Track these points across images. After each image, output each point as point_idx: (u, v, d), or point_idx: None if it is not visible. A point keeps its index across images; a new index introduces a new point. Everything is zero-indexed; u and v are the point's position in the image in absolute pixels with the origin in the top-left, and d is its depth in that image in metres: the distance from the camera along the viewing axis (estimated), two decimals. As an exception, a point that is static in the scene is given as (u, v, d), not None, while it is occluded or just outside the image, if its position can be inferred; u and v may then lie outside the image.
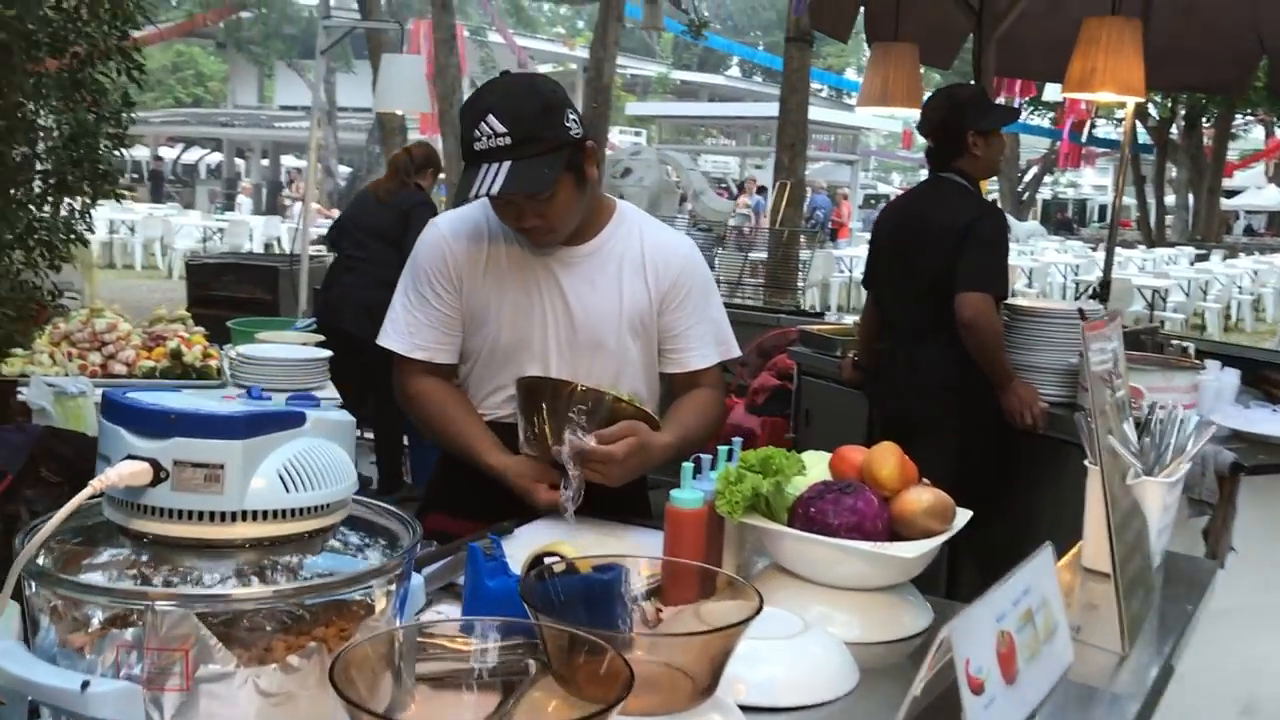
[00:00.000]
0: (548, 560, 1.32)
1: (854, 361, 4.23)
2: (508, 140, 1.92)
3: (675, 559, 1.53)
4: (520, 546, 1.60)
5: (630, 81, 37.50)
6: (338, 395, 3.70)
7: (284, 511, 1.13)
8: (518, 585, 1.22)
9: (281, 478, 1.13)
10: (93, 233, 4.57)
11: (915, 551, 1.58)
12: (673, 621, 1.29)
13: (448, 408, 2.15)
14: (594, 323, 2.10)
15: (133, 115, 4.35)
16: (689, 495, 1.65)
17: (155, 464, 1.09)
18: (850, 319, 7.10)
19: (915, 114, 4.46)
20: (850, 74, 36.62)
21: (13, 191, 4.06)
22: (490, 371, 2.15)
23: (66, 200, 4.25)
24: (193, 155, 36.03)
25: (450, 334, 2.15)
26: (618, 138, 27.71)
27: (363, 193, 6.05)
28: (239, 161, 34.23)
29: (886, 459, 1.69)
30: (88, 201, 4.31)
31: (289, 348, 4.01)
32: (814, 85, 15.77)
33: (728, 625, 1.16)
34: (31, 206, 4.11)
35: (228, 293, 7.39)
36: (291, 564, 1.19)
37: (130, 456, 1.10)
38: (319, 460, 1.17)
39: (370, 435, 5.69)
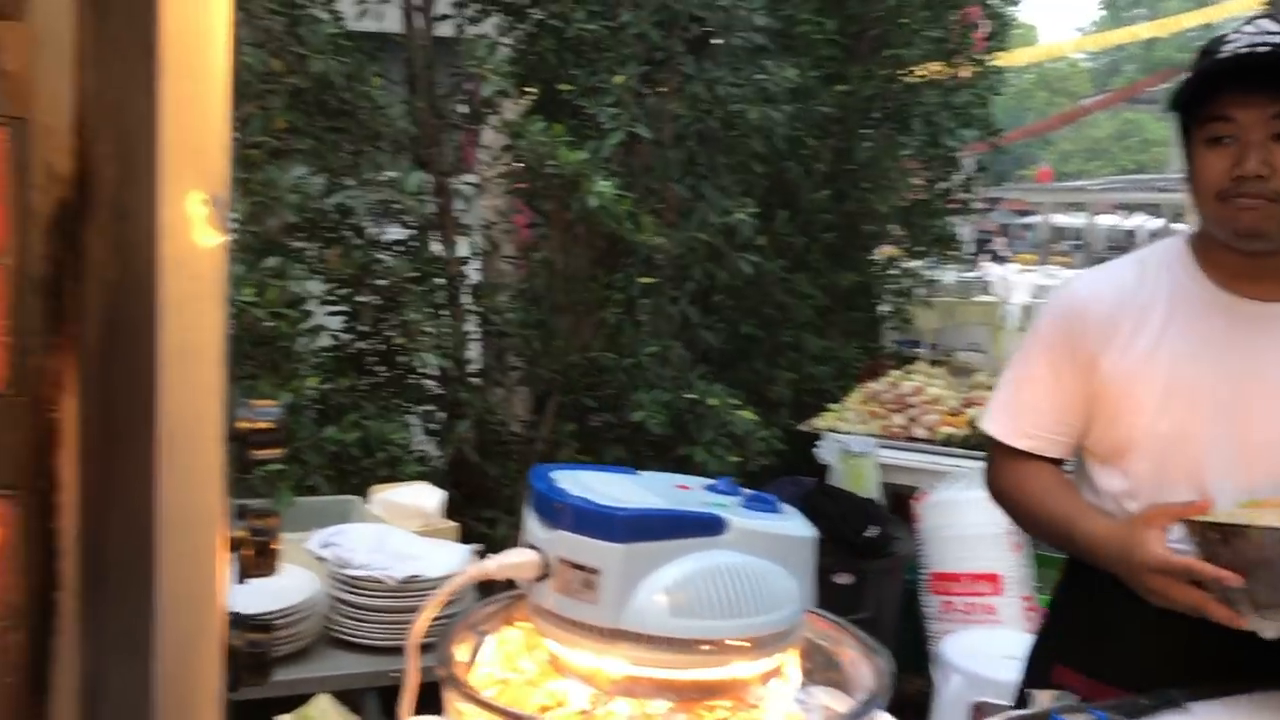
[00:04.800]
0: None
1: None
2: None
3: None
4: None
5: None
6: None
7: (669, 640, 0.91)
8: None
9: (671, 595, 0.91)
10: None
11: None
12: None
13: (1048, 482, 1.64)
14: None
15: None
16: None
17: (545, 558, 0.95)
18: None
19: None
20: None
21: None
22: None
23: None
24: (1132, 221, 35.45)
25: (1067, 423, 1.66)
26: None
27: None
28: (1177, 226, 32.84)
29: None
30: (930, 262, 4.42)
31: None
32: None
33: None
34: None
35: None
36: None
37: (531, 545, 0.97)
38: (734, 581, 0.93)
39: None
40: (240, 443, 1.03)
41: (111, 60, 0.90)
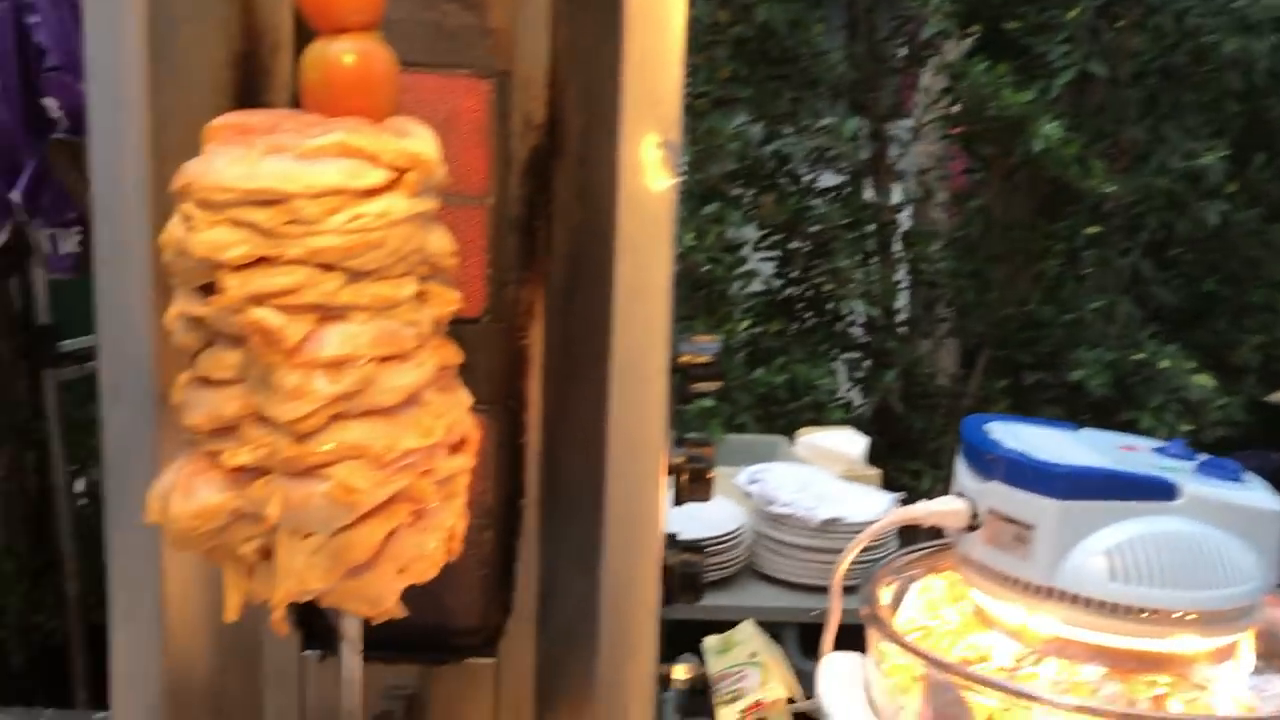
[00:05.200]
0: None
1: None
2: None
3: None
4: None
5: None
6: None
7: (1105, 605, 0.86)
8: None
9: (1111, 558, 0.86)
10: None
11: None
12: None
13: None
14: None
15: None
16: None
17: (974, 508, 0.93)
18: None
19: None
20: None
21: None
22: None
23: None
24: None
25: None
26: None
27: None
28: None
29: None
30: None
31: None
32: None
33: None
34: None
35: None
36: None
37: (960, 494, 0.96)
38: (1183, 549, 0.86)
39: None
40: (681, 375, 1.09)
41: (582, 15, 0.97)
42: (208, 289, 0.78)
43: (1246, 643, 0.96)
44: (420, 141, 0.82)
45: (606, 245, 0.96)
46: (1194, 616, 0.86)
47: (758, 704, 1.06)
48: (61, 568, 2.89)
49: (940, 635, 1.01)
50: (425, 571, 0.86)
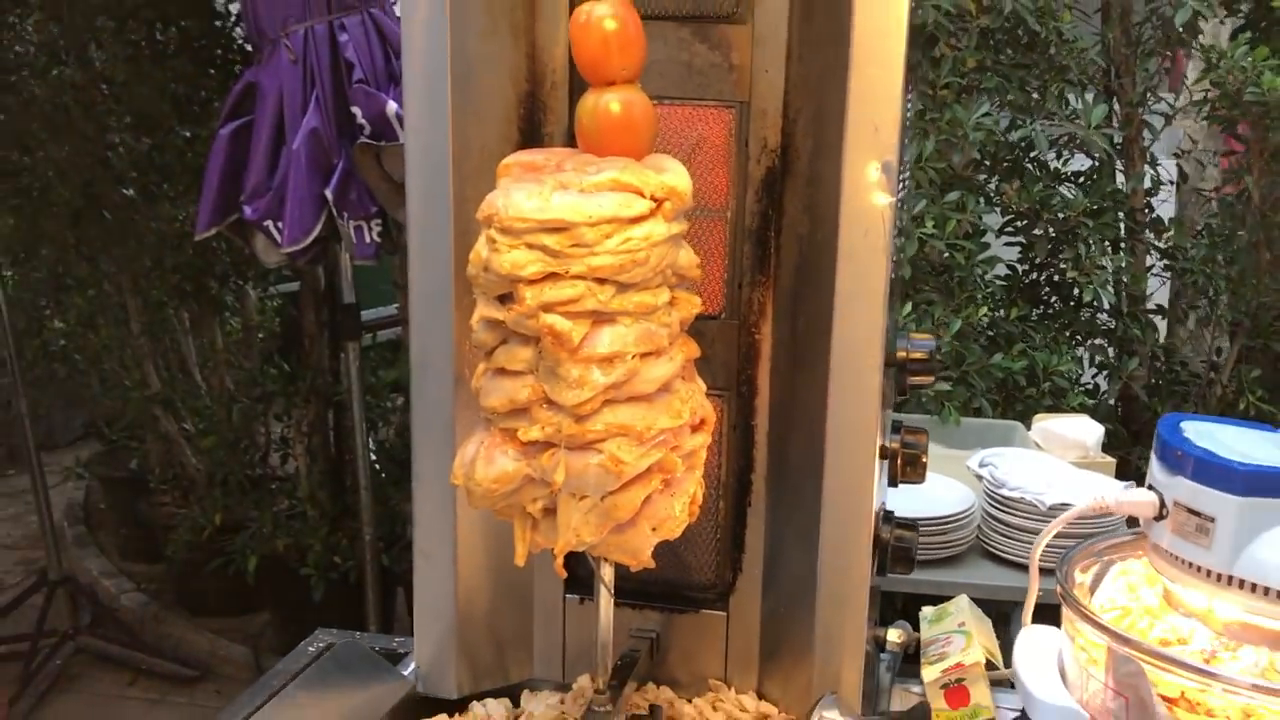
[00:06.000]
0: None
1: None
2: None
3: None
4: None
5: None
6: None
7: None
8: None
9: (1291, 554, 0.92)
10: None
11: None
12: None
13: None
14: None
15: None
16: None
17: (1162, 499, 1.01)
18: None
19: None
20: None
21: None
22: None
23: None
24: None
25: None
26: None
27: None
28: None
29: None
30: None
31: None
32: None
33: None
34: None
35: None
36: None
37: (1151, 487, 1.03)
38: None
39: None
40: (899, 369, 1.20)
41: (813, 54, 1.10)
42: (504, 298, 0.97)
43: None
44: (676, 176, 0.98)
45: (830, 254, 1.08)
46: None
47: (958, 665, 1.16)
48: (358, 515, 3.26)
49: (1139, 615, 1.09)
50: (673, 530, 1.02)
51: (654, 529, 1.02)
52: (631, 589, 1.24)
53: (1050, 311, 3.23)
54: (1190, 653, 1.01)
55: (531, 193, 0.94)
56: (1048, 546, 1.14)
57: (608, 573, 1.08)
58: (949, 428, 2.69)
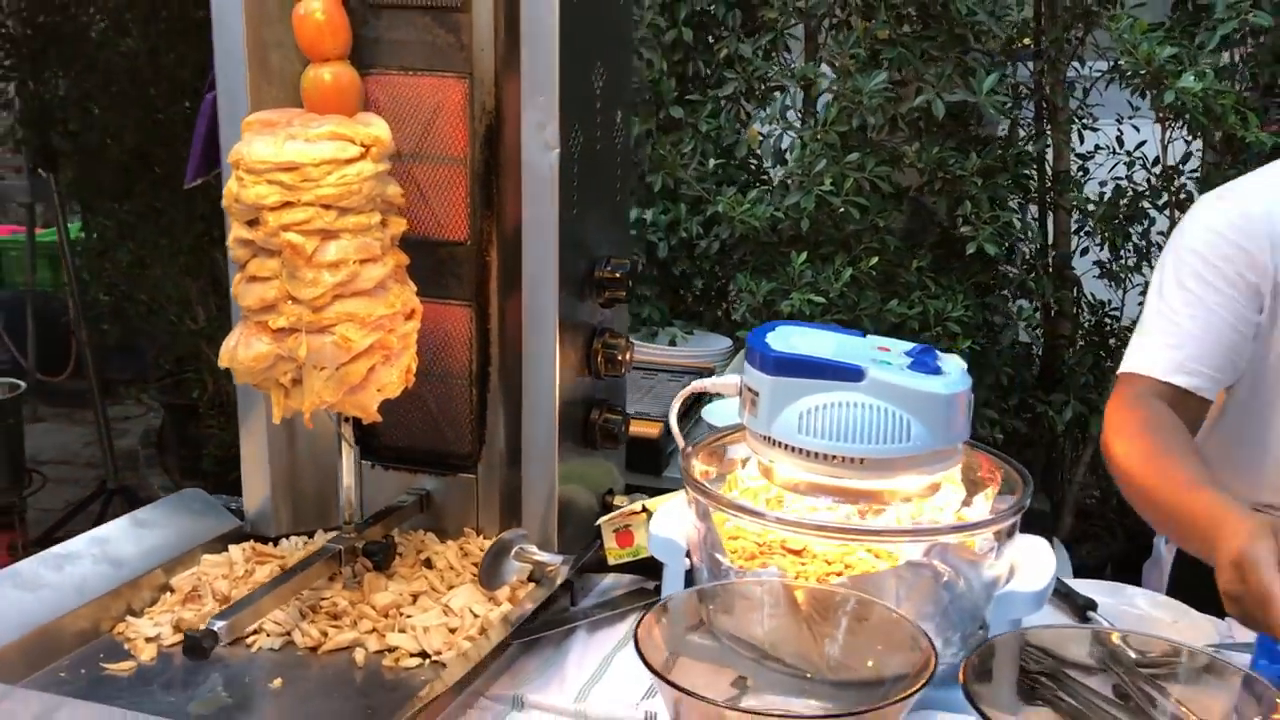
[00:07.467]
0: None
1: None
2: None
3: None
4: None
5: None
6: None
7: (799, 449, 1.23)
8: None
9: (801, 418, 1.22)
10: None
11: None
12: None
13: (1169, 439, 1.48)
14: None
15: None
16: None
17: (741, 383, 1.31)
18: None
19: None
20: None
21: None
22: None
23: None
24: None
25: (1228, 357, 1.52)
26: None
27: None
28: None
29: None
30: None
31: None
32: None
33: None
34: None
35: None
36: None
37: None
38: (853, 413, 1.20)
39: None
40: (598, 286, 1.51)
41: (510, 36, 1.40)
42: (252, 223, 1.30)
43: (951, 484, 1.29)
44: (379, 128, 1.30)
45: (517, 196, 1.40)
46: (862, 460, 1.20)
47: (629, 512, 1.46)
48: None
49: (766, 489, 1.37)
50: (393, 391, 1.35)
51: (379, 390, 1.35)
52: (407, 457, 1.57)
53: (954, 266, 3.44)
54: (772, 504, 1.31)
55: (269, 142, 1.27)
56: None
57: (347, 430, 1.41)
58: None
